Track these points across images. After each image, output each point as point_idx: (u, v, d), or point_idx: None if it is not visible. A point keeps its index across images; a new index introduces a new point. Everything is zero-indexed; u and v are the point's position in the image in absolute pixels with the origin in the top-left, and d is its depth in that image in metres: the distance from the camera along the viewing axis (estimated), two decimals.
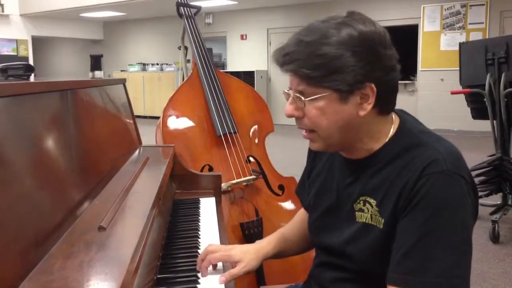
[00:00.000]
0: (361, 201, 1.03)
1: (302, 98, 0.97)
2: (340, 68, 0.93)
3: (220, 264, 1.17)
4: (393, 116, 1.05)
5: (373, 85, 0.95)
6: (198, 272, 1.12)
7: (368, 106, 0.96)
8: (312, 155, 1.24)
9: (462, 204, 0.93)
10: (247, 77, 10.42)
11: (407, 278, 0.92)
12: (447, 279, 0.90)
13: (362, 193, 1.03)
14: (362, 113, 0.97)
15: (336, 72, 0.93)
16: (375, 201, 1.00)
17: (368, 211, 1.02)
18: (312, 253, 1.25)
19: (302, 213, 1.32)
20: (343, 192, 1.09)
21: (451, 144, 1.00)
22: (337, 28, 0.94)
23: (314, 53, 0.94)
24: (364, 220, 1.02)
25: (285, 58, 0.97)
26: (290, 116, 1.01)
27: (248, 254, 1.16)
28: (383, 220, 0.98)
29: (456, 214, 0.91)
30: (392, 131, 1.03)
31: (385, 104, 1.00)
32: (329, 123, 0.98)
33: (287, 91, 1.02)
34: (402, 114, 1.07)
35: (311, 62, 0.94)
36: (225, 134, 2.10)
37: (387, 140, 1.02)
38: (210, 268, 1.15)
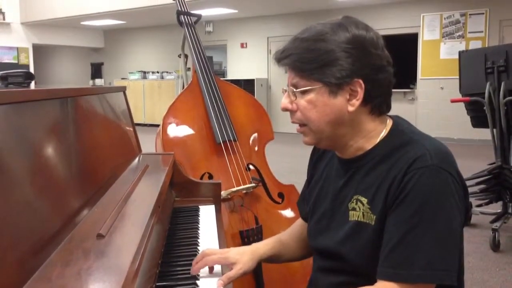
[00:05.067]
0: (354, 200, 1.06)
1: (295, 90, 1.03)
2: (331, 62, 0.99)
3: (218, 268, 1.18)
4: (387, 120, 1.09)
5: (361, 81, 0.99)
6: (198, 279, 1.12)
7: (357, 102, 1.01)
8: (312, 164, 1.27)
9: (447, 198, 0.94)
10: (247, 85, 10.44)
11: (394, 272, 0.94)
12: (432, 271, 0.92)
13: (355, 193, 1.06)
14: (351, 108, 1.01)
15: (327, 65, 0.99)
16: (366, 199, 1.03)
17: (360, 209, 1.04)
18: (312, 260, 1.25)
19: (300, 223, 1.34)
20: (338, 194, 1.11)
21: (441, 143, 1.02)
22: (332, 28, 1.01)
23: (308, 48, 1.00)
24: (356, 218, 1.04)
25: (282, 54, 1.04)
26: (284, 109, 1.07)
27: (244, 256, 1.17)
28: (374, 217, 1.01)
29: (441, 207, 0.94)
30: (384, 132, 1.06)
31: (376, 104, 1.03)
32: (319, 116, 1.02)
33: (285, 88, 1.08)
34: (396, 118, 1.11)
35: (304, 56, 1.00)
36: (224, 142, 2.10)
37: (378, 140, 1.05)
38: (207, 271, 1.16)
